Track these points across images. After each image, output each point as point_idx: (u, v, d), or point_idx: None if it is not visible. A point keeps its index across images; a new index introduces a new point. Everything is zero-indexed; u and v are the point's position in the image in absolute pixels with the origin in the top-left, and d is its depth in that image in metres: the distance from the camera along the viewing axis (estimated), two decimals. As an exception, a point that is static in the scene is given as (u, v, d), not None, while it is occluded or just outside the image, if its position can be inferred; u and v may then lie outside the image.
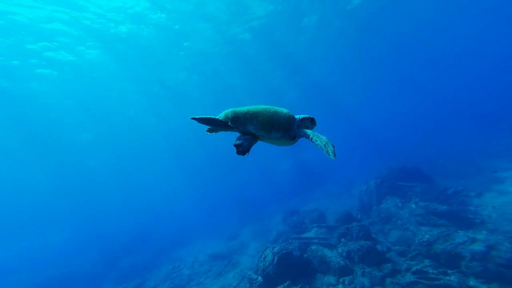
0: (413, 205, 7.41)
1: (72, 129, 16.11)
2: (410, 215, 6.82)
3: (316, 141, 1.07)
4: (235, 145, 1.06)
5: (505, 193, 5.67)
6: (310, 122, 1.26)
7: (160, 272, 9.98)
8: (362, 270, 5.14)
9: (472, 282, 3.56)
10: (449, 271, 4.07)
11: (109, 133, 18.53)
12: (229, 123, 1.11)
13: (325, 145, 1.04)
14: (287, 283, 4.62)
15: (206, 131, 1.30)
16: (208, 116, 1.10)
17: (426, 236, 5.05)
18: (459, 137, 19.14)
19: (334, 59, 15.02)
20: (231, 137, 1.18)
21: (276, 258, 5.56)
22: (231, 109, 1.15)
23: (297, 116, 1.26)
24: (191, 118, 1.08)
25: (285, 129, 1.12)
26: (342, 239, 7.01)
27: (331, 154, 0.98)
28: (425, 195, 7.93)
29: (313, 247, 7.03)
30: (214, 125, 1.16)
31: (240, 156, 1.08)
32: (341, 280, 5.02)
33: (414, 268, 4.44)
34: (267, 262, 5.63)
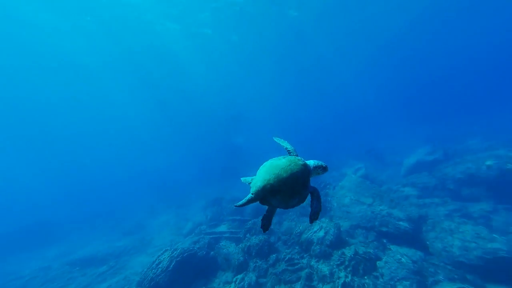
0: (301, 199, 9.84)
1: None
2: (299, 207, 9.01)
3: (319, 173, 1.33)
4: (261, 228, 1.25)
5: (342, 188, 8.88)
6: (322, 170, 1.30)
7: None
8: (254, 264, 5.97)
9: (313, 262, 5.10)
10: (305, 255, 5.61)
11: None
12: (259, 202, 1.20)
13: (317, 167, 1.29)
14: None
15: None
16: (247, 199, 1.18)
17: (300, 227, 6.73)
18: (347, 135, 28.14)
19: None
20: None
21: (173, 264, 5.06)
22: (259, 185, 1.16)
23: (309, 163, 1.27)
24: (235, 206, 1.17)
25: (300, 194, 1.17)
26: (247, 234, 7.88)
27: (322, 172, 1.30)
28: (310, 189, 10.79)
29: (222, 243, 7.33)
30: (252, 202, 1.23)
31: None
32: (234, 279, 5.55)
33: (287, 257, 5.72)
34: (160, 269, 4.98)
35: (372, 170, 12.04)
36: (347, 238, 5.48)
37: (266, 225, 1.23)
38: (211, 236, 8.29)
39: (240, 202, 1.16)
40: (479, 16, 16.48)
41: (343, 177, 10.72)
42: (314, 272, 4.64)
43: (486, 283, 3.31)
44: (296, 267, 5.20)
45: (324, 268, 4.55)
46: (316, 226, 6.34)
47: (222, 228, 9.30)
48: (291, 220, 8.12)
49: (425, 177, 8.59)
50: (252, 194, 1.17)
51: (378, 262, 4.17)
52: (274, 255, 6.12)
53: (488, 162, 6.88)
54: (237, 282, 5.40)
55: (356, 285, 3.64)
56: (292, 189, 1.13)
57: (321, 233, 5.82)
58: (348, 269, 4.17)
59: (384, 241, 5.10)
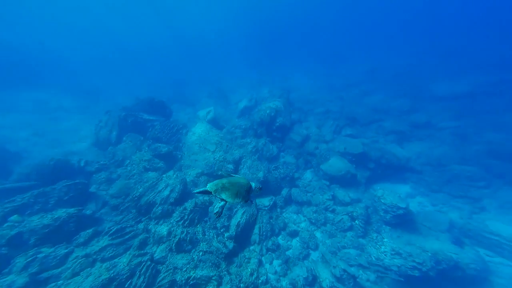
0: (146, 147, 8.04)
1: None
2: (140, 160, 7.27)
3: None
4: (215, 213, 1.77)
5: (194, 134, 9.07)
6: (258, 190, 2.07)
7: None
8: (31, 258, 4.05)
9: (151, 225, 4.96)
10: (143, 219, 5.18)
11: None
12: (212, 193, 1.85)
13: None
14: None
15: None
16: (203, 189, 1.86)
17: (140, 190, 5.71)
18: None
19: None
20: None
21: None
22: (215, 183, 1.91)
23: (252, 184, 2.05)
24: (193, 193, 1.95)
25: (243, 197, 1.90)
26: (16, 216, 4.72)
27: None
28: (159, 133, 9.07)
29: None
30: (205, 194, 1.88)
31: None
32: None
33: (113, 229, 4.74)
34: None
35: (220, 108, 13.70)
36: (191, 188, 6.13)
37: (219, 212, 1.77)
38: None
39: (196, 190, 1.86)
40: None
41: (195, 122, 10.76)
42: (151, 236, 4.65)
43: (261, 198, 6.71)
44: (127, 236, 4.67)
45: (163, 229, 4.73)
46: (161, 185, 5.91)
47: None
48: (130, 177, 6.49)
49: (245, 120, 10.83)
50: (208, 187, 1.86)
51: (210, 207, 5.54)
52: (90, 230, 4.70)
53: (268, 111, 11.80)
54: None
55: (188, 238, 4.50)
56: (237, 191, 1.87)
57: (166, 192, 5.65)
58: (186, 222, 4.87)
59: (217, 183, 6.80)
